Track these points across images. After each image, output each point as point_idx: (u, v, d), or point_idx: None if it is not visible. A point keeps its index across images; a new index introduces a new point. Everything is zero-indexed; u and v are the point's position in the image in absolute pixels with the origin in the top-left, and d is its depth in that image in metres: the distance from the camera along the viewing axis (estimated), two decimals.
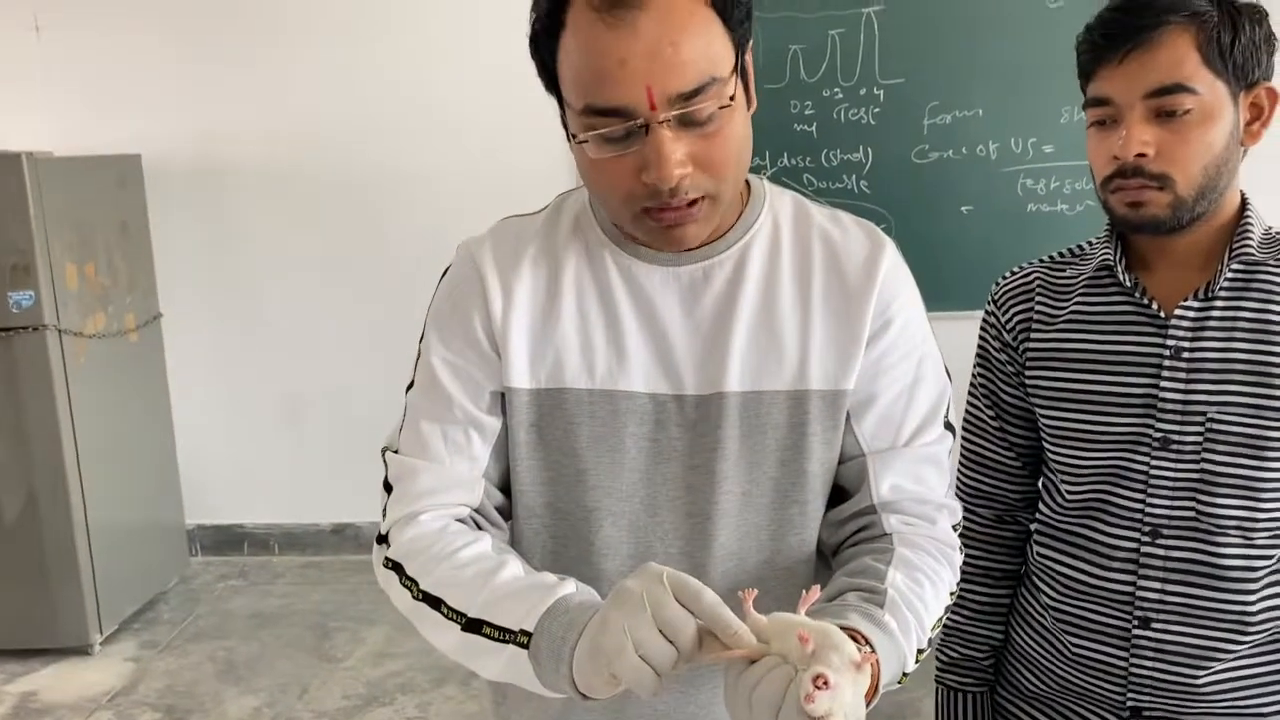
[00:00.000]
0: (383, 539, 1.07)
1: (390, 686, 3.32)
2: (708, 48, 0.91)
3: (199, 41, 4.03)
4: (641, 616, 0.81)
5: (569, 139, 0.99)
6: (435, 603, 0.98)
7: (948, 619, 1.44)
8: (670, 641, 0.80)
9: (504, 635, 0.92)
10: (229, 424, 4.32)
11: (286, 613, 3.88)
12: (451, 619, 0.96)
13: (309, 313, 4.20)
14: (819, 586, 0.87)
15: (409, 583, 1.01)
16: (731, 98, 0.93)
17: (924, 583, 1.00)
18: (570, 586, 0.93)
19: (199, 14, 4.02)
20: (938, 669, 1.49)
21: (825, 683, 0.74)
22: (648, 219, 0.98)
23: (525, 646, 0.90)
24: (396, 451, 1.10)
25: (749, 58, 0.99)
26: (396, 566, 1.03)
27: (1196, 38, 1.16)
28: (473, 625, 0.94)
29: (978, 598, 1.46)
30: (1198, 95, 1.17)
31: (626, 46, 0.89)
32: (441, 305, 1.11)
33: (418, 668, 3.41)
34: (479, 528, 1.07)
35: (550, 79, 0.99)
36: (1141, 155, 1.18)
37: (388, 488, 1.09)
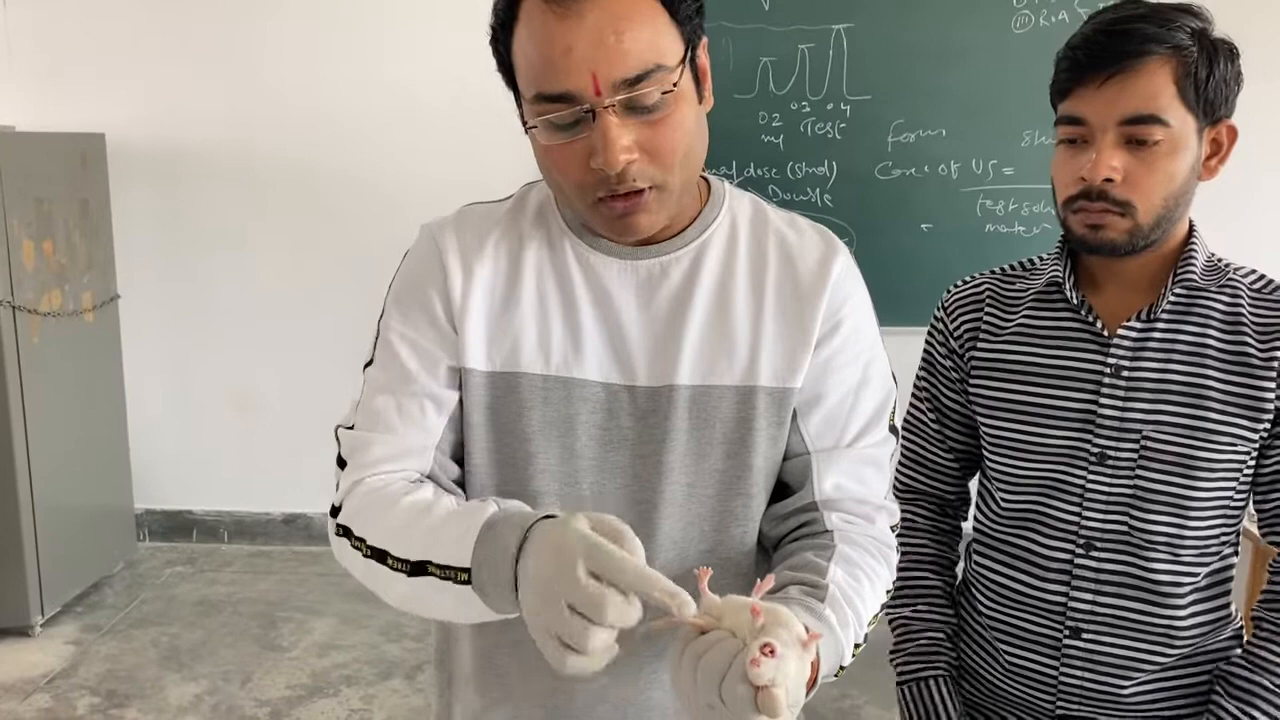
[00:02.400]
0: (335, 511, 1.07)
1: (335, 678, 3.31)
2: (653, 37, 0.95)
3: (168, 24, 4.00)
4: (555, 609, 0.79)
5: (526, 131, 1.02)
6: (382, 556, 0.98)
7: (905, 614, 1.47)
8: (592, 620, 0.78)
9: (447, 573, 0.92)
10: (183, 409, 4.28)
11: (233, 601, 3.85)
12: (398, 569, 0.97)
13: (268, 300, 4.18)
14: (773, 576, 0.89)
15: (358, 543, 1.01)
16: (676, 84, 0.96)
17: (863, 580, 1.03)
18: (491, 507, 0.93)
19: None
20: (900, 667, 1.46)
21: (772, 651, 0.76)
22: (600, 207, 1.00)
23: (469, 583, 0.90)
24: (351, 428, 1.11)
25: (703, 55, 1.03)
26: (346, 531, 1.03)
27: (1175, 71, 1.19)
28: (418, 569, 0.95)
29: (928, 582, 1.48)
30: (1169, 127, 1.20)
31: (573, 35, 0.93)
32: (402, 283, 1.12)
33: (364, 660, 3.41)
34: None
35: (508, 73, 1.02)
36: (1109, 180, 1.21)
37: (341, 464, 1.10)
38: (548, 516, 0.88)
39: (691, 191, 1.07)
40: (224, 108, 4.05)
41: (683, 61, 0.97)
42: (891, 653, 1.46)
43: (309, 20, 3.97)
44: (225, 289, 4.18)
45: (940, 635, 1.45)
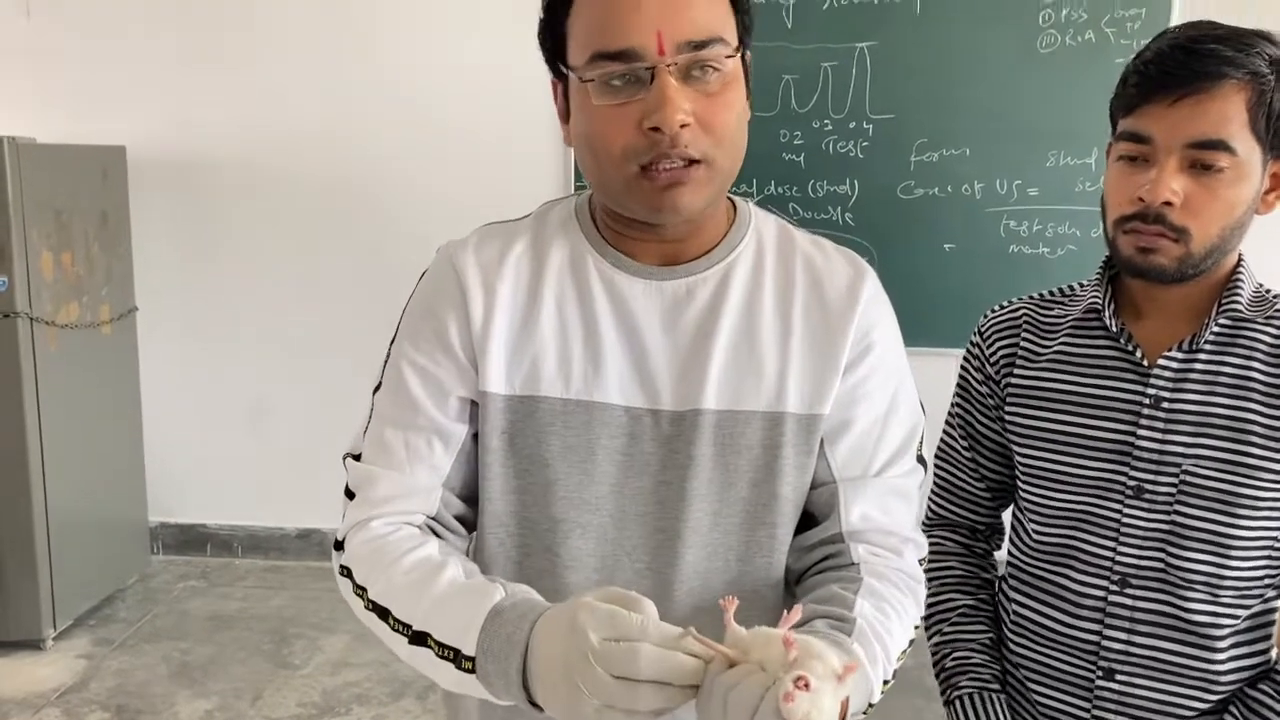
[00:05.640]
0: (339, 545, 1.06)
1: (346, 697, 3.28)
2: (715, 10, 0.96)
3: (190, 37, 4.00)
4: (593, 683, 0.78)
5: (564, 117, 1.03)
6: (383, 613, 0.97)
7: (935, 640, 1.42)
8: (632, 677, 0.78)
9: (446, 652, 0.91)
10: (198, 422, 4.27)
11: (245, 616, 3.83)
12: (398, 631, 0.96)
13: (285, 315, 4.17)
14: (799, 607, 0.86)
15: (360, 590, 1.00)
16: (736, 55, 0.98)
17: (890, 614, 1.00)
18: (499, 593, 0.91)
19: (191, 9, 3.99)
20: (944, 683, 1.40)
21: (806, 685, 0.73)
22: (643, 180, 0.97)
23: (472, 671, 0.88)
24: (358, 457, 1.09)
25: (748, 66, 1.04)
26: (348, 572, 1.03)
27: (1249, 98, 1.14)
28: (418, 638, 0.94)
29: (955, 603, 1.43)
30: (1236, 156, 1.15)
31: None
32: (417, 308, 1.10)
33: (375, 679, 3.37)
34: (435, 535, 1.06)
35: (556, 47, 1.01)
36: (1168, 203, 1.17)
37: (349, 494, 1.08)
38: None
39: (728, 185, 1.05)
40: (244, 122, 4.05)
41: (738, 50, 0.99)
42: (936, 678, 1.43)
43: (330, 37, 3.97)
44: (243, 303, 4.17)
45: (977, 653, 1.39)
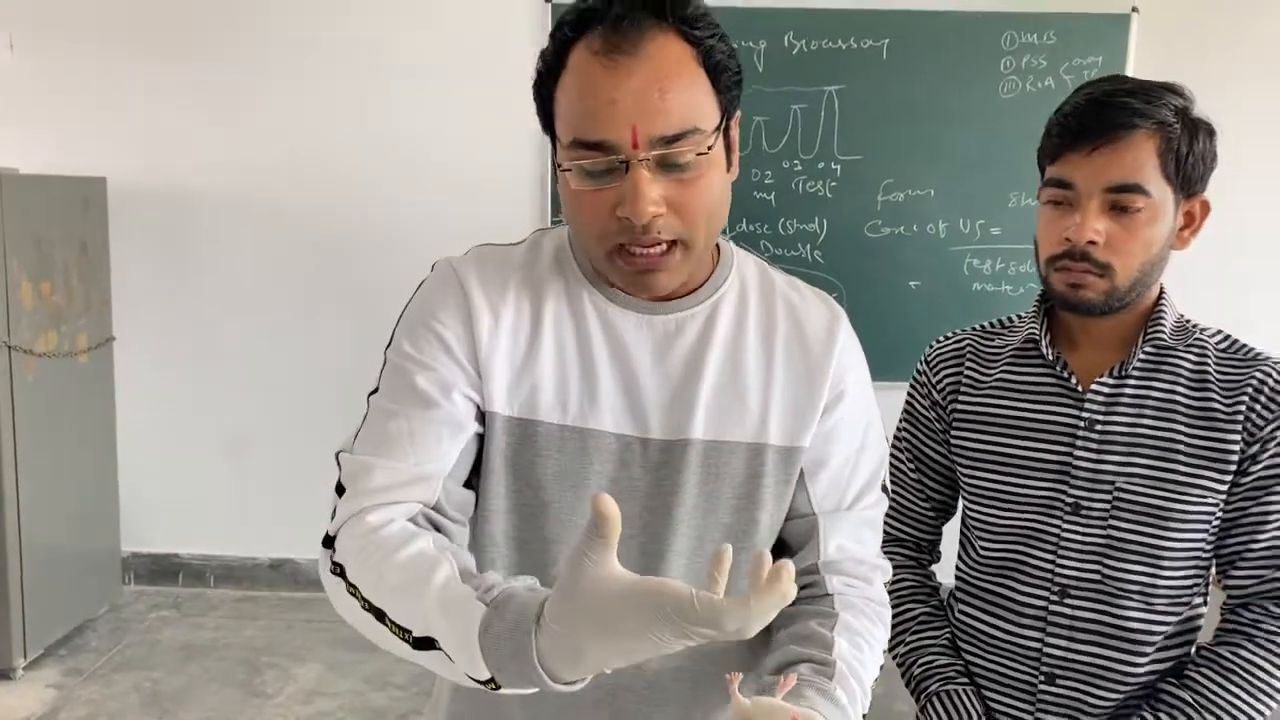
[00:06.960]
0: (329, 542, 1.01)
1: None
2: (693, 100, 0.98)
3: (171, 71, 4.06)
4: (653, 624, 0.75)
5: (557, 177, 1.05)
6: (380, 615, 0.93)
7: (899, 651, 1.48)
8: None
9: (458, 671, 0.87)
10: (173, 452, 4.28)
11: (218, 646, 3.83)
12: (399, 635, 0.92)
13: (261, 346, 4.20)
14: (795, 675, 0.90)
15: (353, 589, 0.96)
16: (710, 147, 0.99)
17: (864, 647, 1.06)
18: (479, 612, 0.85)
19: (173, 44, 4.05)
20: (915, 689, 1.46)
21: None
22: (620, 261, 1.03)
23: (498, 687, 0.84)
24: (354, 454, 1.07)
25: (735, 128, 1.07)
26: (340, 570, 0.98)
27: (1159, 144, 1.25)
28: (422, 643, 0.90)
29: (917, 610, 1.51)
30: (1150, 197, 1.26)
31: (618, 87, 0.96)
32: (418, 312, 1.11)
33: (349, 708, 3.38)
34: (435, 527, 1.03)
35: (548, 118, 1.05)
36: (1092, 243, 1.27)
37: (340, 490, 1.04)
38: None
39: (709, 252, 1.10)
40: (225, 154, 4.10)
41: (718, 129, 1.01)
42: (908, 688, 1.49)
43: (312, 68, 4.03)
44: (219, 334, 4.21)
45: (937, 654, 1.46)
